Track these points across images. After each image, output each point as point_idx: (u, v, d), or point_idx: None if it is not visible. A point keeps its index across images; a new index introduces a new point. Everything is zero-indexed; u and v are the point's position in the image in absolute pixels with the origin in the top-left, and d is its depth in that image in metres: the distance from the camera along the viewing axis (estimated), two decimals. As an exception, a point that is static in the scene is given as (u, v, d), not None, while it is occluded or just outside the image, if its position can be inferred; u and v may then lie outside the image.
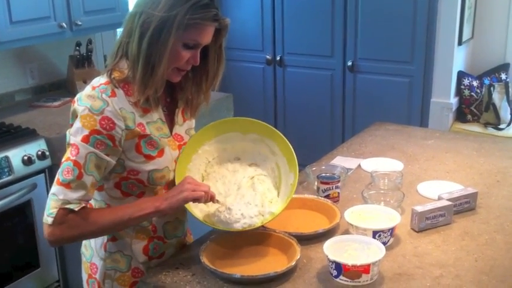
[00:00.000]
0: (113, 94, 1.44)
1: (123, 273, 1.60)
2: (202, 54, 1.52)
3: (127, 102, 1.46)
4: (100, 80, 1.48)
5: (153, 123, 1.52)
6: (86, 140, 1.40)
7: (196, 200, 1.48)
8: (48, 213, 1.40)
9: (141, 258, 1.60)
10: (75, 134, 1.42)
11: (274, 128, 1.67)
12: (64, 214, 1.39)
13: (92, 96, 1.43)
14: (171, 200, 1.46)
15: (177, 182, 1.55)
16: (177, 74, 1.50)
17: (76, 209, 1.40)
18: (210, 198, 1.51)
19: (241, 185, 1.63)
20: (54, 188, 1.42)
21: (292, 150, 1.63)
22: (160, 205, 1.46)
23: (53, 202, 1.40)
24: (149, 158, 1.49)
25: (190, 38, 1.43)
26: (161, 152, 1.52)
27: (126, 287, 1.60)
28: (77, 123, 1.42)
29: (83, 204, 1.42)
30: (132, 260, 1.59)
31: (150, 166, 1.49)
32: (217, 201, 1.56)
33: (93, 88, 1.45)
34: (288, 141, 1.64)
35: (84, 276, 1.67)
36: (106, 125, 1.41)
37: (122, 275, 1.60)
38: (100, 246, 1.60)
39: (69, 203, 1.40)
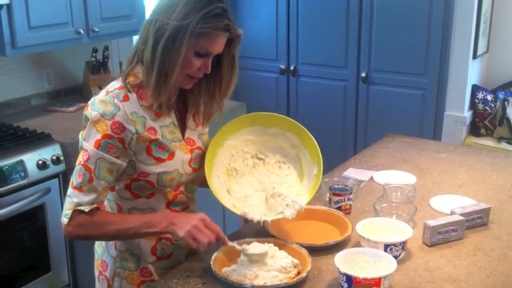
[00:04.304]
0: (125, 99, 1.48)
1: (132, 272, 1.63)
2: (216, 63, 1.55)
3: (139, 106, 1.50)
4: (115, 85, 1.52)
5: (166, 127, 1.55)
6: (97, 144, 1.45)
7: (193, 245, 1.47)
8: (64, 214, 1.49)
9: (150, 258, 1.62)
10: (87, 139, 1.47)
11: (296, 122, 1.73)
12: (76, 215, 1.48)
13: (104, 101, 1.47)
14: (175, 230, 1.47)
15: (207, 175, 1.60)
16: (188, 81, 1.53)
17: (86, 210, 1.47)
18: (218, 241, 1.51)
19: (268, 196, 1.68)
20: (69, 190, 1.50)
21: (316, 142, 1.69)
22: (166, 227, 1.49)
23: (68, 204, 1.49)
24: (159, 160, 1.52)
25: (201, 46, 1.46)
26: (172, 155, 1.54)
27: (135, 285, 1.64)
28: (90, 128, 1.47)
29: (95, 206, 1.48)
30: (141, 259, 1.62)
31: (159, 168, 1.52)
32: (230, 245, 1.55)
33: (107, 93, 1.49)
34: (310, 134, 1.71)
35: (96, 273, 1.71)
36: (117, 129, 1.45)
37: (130, 274, 1.63)
38: (110, 244, 1.64)
39: (81, 205, 1.47)
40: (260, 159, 1.76)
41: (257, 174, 1.73)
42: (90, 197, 1.47)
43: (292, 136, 1.74)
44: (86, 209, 1.47)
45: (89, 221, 1.48)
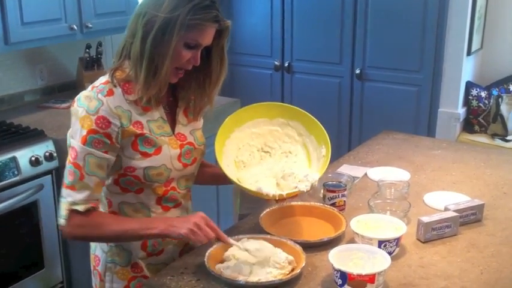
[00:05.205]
0: (110, 93, 1.49)
1: (123, 267, 1.63)
2: (205, 56, 1.56)
3: (124, 100, 1.50)
4: (101, 80, 1.53)
5: (154, 122, 1.55)
6: (84, 140, 1.45)
7: (194, 241, 1.48)
8: (60, 215, 1.49)
9: (140, 254, 1.63)
10: (74, 136, 1.48)
11: (299, 109, 1.77)
12: (72, 215, 1.47)
13: (88, 97, 1.48)
14: (174, 230, 1.48)
15: (218, 160, 1.61)
16: (175, 73, 1.53)
17: (82, 210, 1.46)
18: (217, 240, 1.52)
19: (278, 180, 1.68)
20: (62, 190, 1.49)
21: (321, 125, 1.73)
22: (165, 230, 1.49)
23: (63, 204, 1.48)
24: (145, 155, 1.52)
25: (191, 38, 1.47)
26: (158, 150, 1.54)
27: (125, 281, 1.64)
28: (76, 125, 1.47)
29: (90, 204, 1.47)
30: (132, 255, 1.62)
31: (145, 163, 1.52)
32: (230, 244, 1.55)
33: (92, 88, 1.51)
34: (314, 118, 1.74)
35: (91, 267, 1.72)
36: (102, 123, 1.46)
37: (121, 269, 1.63)
38: None
39: (76, 204, 1.46)
40: (266, 152, 1.77)
41: (265, 164, 1.75)
42: (84, 194, 1.46)
43: (297, 124, 1.77)
44: (82, 208, 1.46)
45: (86, 221, 1.48)
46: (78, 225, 1.48)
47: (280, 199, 1.63)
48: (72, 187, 1.47)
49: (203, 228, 1.48)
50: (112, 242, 1.61)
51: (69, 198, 1.47)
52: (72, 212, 1.47)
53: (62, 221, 1.48)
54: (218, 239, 1.51)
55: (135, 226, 1.51)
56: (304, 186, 1.62)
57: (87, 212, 1.47)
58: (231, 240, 1.54)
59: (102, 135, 1.46)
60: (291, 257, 1.53)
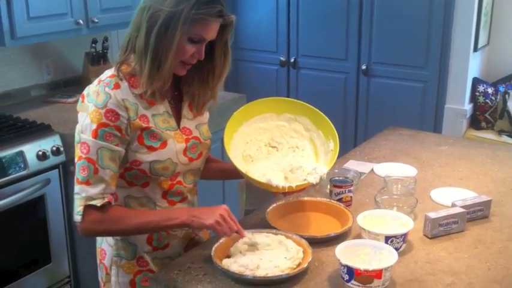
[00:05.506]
0: (116, 86, 1.49)
1: (128, 261, 1.63)
2: (209, 50, 1.56)
3: (131, 94, 1.51)
4: (107, 73, 1.53)
5: (159, 116, 1.55)
6: (95, 134, 1.45)
7: (219, 232, 1.51)
8: (76, 211, 1.47)
9: (145, 248, 1.63)
10: (84, 131, 1.47)
11: (307, 104, 1.78)
12: (89, 211, 1.46)
13: (96, 91, 1.48)
14: (198, 221, 1.50)
15: (228, 153, 1.62)
16: (182, 67, 1.54)
17: (99, 205, 1.45)
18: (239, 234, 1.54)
19: (287, 174, 1.69)
20: (76, 187, 1.48)
21: (328, 120, 1.74)
22: (187, 220, 1.50)
23: (77, 201, 1.47)
24: (151, 149, 1.52)
25: (195, 32, 1.47)
26: (164, 144, 1.54)
27: (131, 274, 1.64)
28: (86, 120, 1.47)
29: (106, 199, 1.47)
30: (137, 249, 1.62)
31: (151, 157, 1.52)
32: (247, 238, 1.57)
33: (99, 82, 1.51)
34: (322, 113, 1.76)
35: (97, 261, 1.72)
36: (111, 116, 1.46)
37: (127, 263, 1.63)
38: None
39: (92, 198, 1.46)
40: (273, 147, 1.78)
41: (272, 158, 1.75)
42: (99, 188, 1.46)
43: (304, 119, 1.78)
44: (98, 203, 1.45)
45: (104, 216, 1.47)
46: (96, 221, 1.47)
47: (289, 192, 1.63)
48: (86, 182, 1.46)
49: (228, 221, 1.50)
50: (132, 235, 1.60)
51: (84, 193, 1.46)
52: (89, 208, 1.46)
53: (78, 217, 1.47)
54: (236, 231, 1.53)
55: (156, 217, 1.52)
56: (313, 179, 1.63)
57: (104, 207, 1.47)
58: (247, 234, 1.55)
59: (112, 128, 1.46)
60: (301, 248, 1.54)
